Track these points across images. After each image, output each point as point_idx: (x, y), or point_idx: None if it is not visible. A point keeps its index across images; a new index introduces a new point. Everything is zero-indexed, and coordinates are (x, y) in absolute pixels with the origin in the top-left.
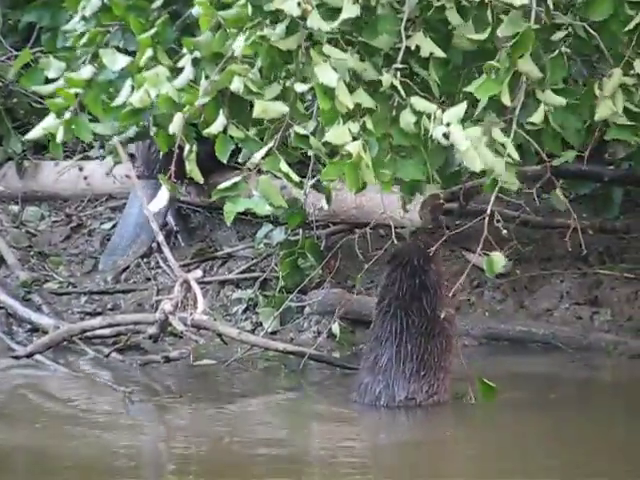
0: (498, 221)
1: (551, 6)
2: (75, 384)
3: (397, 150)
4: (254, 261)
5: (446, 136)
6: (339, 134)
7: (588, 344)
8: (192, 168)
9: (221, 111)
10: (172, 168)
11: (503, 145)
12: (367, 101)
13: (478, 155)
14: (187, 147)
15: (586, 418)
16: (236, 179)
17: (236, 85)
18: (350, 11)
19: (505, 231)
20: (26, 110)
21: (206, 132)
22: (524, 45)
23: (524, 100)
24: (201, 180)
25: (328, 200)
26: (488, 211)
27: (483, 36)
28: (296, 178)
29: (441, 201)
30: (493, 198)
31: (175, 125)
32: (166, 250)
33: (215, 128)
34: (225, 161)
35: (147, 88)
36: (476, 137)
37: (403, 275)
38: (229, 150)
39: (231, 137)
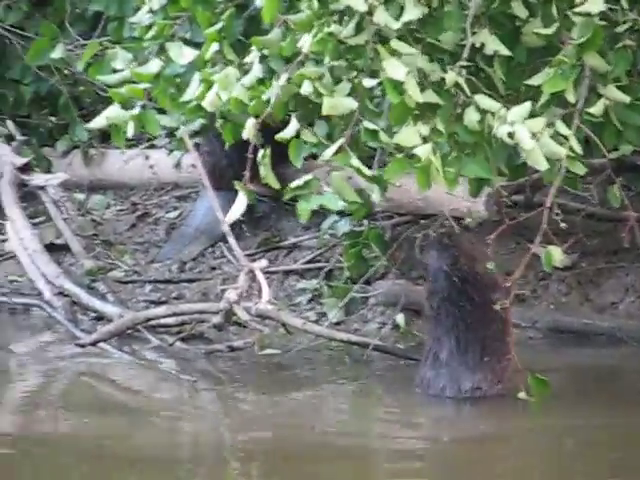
0: (557, 214)
1: (626, 6)
2: (139, 372)
3: (461, 148)
4: (319, 251)
5: (510, 135)
6: (409, 136)
7: None
8: (267, 173)
9: (293, 116)
10: (247, 174)
11: (566, 138)
12: (435, 100)
13: (541, 146)
14: (261, 152)
15: None
16: (307, 177)
17: (306, 89)
18: (412, 12)
19: (563, 224)
20: (93, 99)
21: (279, 137)
22: (594, 43)
23: (586, 95)
24: (277, 185)
25: (383, 192)
26: (548, 202)
27: (550, 31)
28: (368, 172)
29: (506, 193)
30: (554, 189)
31: (248, 131)
32: (231, 239)
33: (288, 133)
34: (299, 165)
35: (218, 91)
36: (539, 129)
37: (451, 266)
38: (302, 154)
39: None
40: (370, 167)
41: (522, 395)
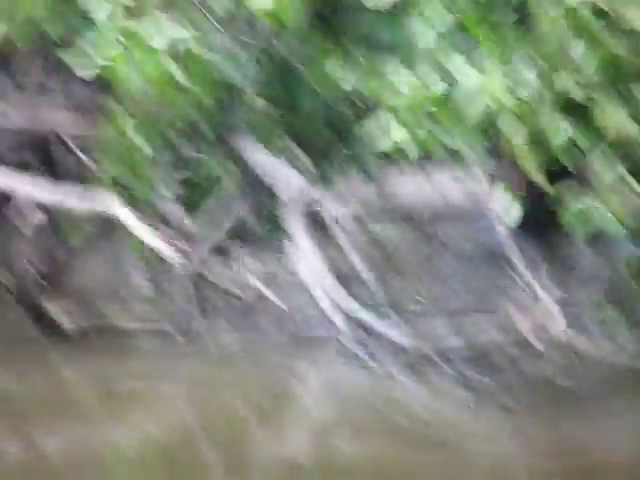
0: None
1: None
2: (433, 403)
3: None
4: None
5: None
6: None
7: None
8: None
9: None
10: (515, 179)
11: None
12: None
13: None
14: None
15: None
16: (586, 200)
17: (576, 93)
18: None
19: None
20: None
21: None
22: None
23: None
24: (549, 189)
25: None
26: None
27: None
28: None
29: None
30: None
31: (518, 138)
32: (523, 269)
33: (560, 138)
34: (571, 167)
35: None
36: None
37: None
38: (573, 157)
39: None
40: None
41: None
